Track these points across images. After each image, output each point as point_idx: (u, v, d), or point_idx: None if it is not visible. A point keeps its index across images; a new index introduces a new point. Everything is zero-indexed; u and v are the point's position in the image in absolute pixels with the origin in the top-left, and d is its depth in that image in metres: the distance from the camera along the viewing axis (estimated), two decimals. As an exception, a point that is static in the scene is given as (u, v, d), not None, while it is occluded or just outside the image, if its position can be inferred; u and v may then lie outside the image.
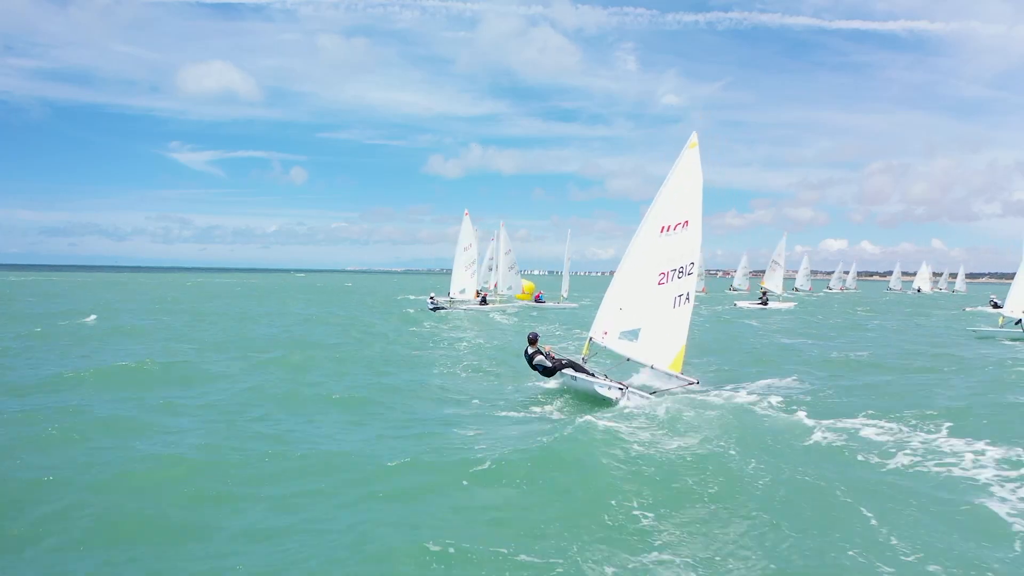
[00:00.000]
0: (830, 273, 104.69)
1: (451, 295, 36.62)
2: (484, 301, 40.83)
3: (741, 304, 48.69)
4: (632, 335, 14.01)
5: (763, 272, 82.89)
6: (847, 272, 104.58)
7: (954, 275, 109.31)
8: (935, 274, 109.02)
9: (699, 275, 70.09)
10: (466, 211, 37.32)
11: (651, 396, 12.76)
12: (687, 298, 13.89)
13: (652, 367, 13.80)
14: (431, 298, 38.47)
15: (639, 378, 14.45)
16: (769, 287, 52.82)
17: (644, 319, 13.96)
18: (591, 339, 14.25)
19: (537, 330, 15.80)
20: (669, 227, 13.91)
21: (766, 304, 47.55)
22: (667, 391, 13.61)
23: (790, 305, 50.59)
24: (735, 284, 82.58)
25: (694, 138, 13.79)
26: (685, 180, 13.80)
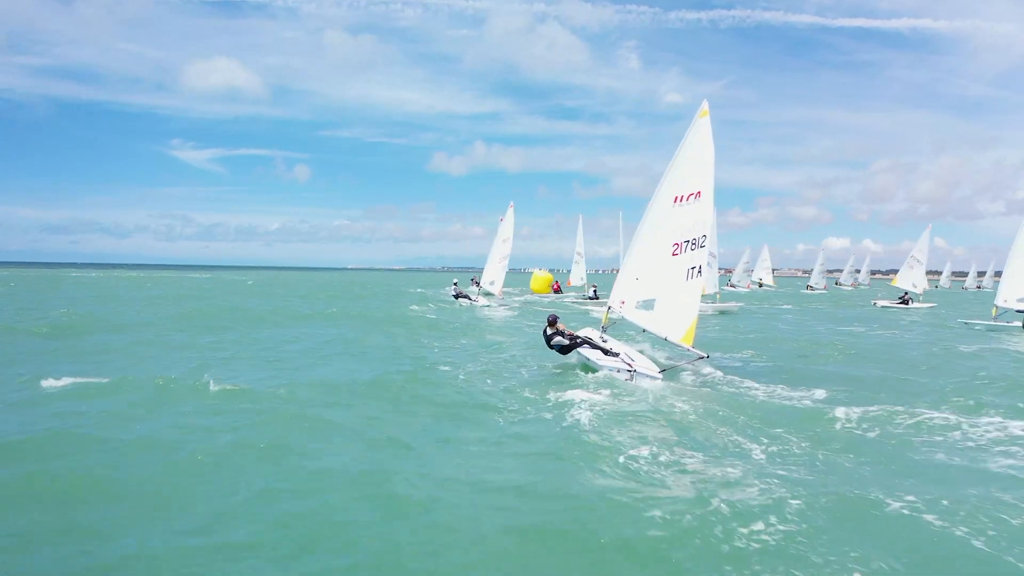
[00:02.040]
0: (839, 271, 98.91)
1: (481, 286, 35.71)
2: (596, 296, 37.52)
3: (881, 303, 45.63)
4: (648, 305, 13.84)
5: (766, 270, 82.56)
6: (858, 270, 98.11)
7: (964, 274, 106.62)
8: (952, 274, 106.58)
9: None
10: (511, 204, 35.63)
11: (660, 375, 12.36)
12: (699, 271, 13.41)
13: (666, 339, 13.43)
14: (454, 284, 37.71)
15: (649, 350, 14.45)
16: (903, 285, 46.94)
17: (659, 290, 13.76)
18: (609, 308, 14.27)
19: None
20: (682, 197, 13.47)
21: (907, 303, 44.47)
22: (676, 366, 13.35)
23: (931, 305, 45.60)
24: (734, 281, 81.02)
25: (705, 106, 13.36)
26: (697, 150, 13.40)
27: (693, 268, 13.41)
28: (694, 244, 13.42)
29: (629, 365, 12.43)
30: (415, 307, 33.24)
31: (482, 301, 34.17)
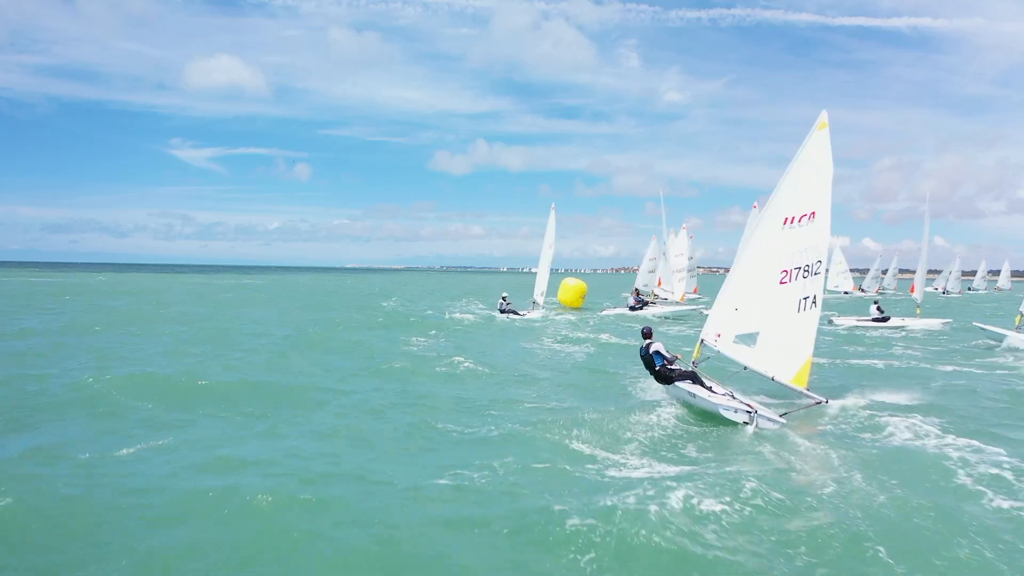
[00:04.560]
0: (856, 271, 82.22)
1: (534, 298, 33.00)
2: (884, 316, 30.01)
3: None
4: (749, 340, 12.33)
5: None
6: (884, 271, 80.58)
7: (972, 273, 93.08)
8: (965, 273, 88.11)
9: (691, 272, 46.63)
10: (552, 206, 33.41)
11: (782, 419, 10.82)
12: (814, 302, 11.95)
13: (773, 379, 11.91)
14: (503, 298, 33.75)
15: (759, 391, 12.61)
16: None
17: (763, 322, 12.24)
18: (702, 341, 12.71)
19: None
20: (793, 219, 12.04)
21: None
22: (798, 409, 11.75)
23: None
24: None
25: (824, 118, 11.94)
26: (812, 166, 12.01)
27: (806, 298, 11.95)
28: (807, 271, 11.98)
29: (749, 407, 10.91)
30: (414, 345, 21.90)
31: (537, 314, 31.52)
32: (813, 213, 11.91)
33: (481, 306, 41.14)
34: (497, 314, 32.58)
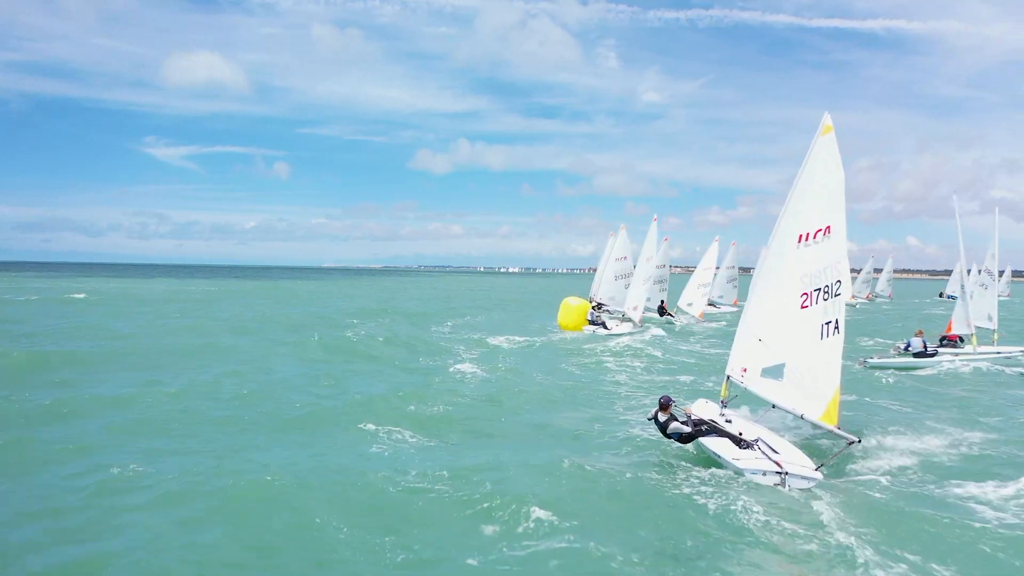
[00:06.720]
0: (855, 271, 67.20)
1: (624, 311, 31.36)
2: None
3: None
4: (776, 373, 11.26)
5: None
6: (879, 270, 68.28)
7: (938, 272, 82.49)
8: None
9: (658, 282, 37.67)
10: (655, 217, 31.74)
11: (818, 474, 9.74)
12: (836, 327, 10.82)
13: (802, 417, 10.80)
14: (596, 304, 31.61)
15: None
16: None
17: (788, 352, 11.17)
18: (728, 378, 11.80)
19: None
20: (808, 235, 10.96)
21: None
22: (834, 458, 10.63)
23: None
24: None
25: (827, 120, 10.84)
26: (822, 175, 10.92)
27: (828, 323, 10.83)
28: (827, 292, 10.88)
29: (778, 465, 9.77)
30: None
31: (624, 327, 30.05)
32: (828, 228, 10.81)
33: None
34: (586, 326, 30.30)
